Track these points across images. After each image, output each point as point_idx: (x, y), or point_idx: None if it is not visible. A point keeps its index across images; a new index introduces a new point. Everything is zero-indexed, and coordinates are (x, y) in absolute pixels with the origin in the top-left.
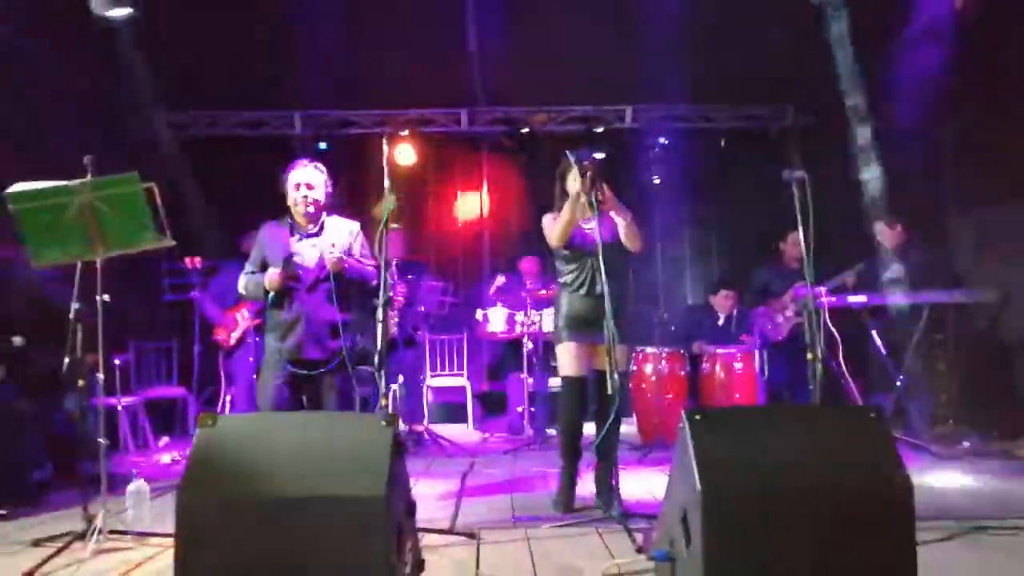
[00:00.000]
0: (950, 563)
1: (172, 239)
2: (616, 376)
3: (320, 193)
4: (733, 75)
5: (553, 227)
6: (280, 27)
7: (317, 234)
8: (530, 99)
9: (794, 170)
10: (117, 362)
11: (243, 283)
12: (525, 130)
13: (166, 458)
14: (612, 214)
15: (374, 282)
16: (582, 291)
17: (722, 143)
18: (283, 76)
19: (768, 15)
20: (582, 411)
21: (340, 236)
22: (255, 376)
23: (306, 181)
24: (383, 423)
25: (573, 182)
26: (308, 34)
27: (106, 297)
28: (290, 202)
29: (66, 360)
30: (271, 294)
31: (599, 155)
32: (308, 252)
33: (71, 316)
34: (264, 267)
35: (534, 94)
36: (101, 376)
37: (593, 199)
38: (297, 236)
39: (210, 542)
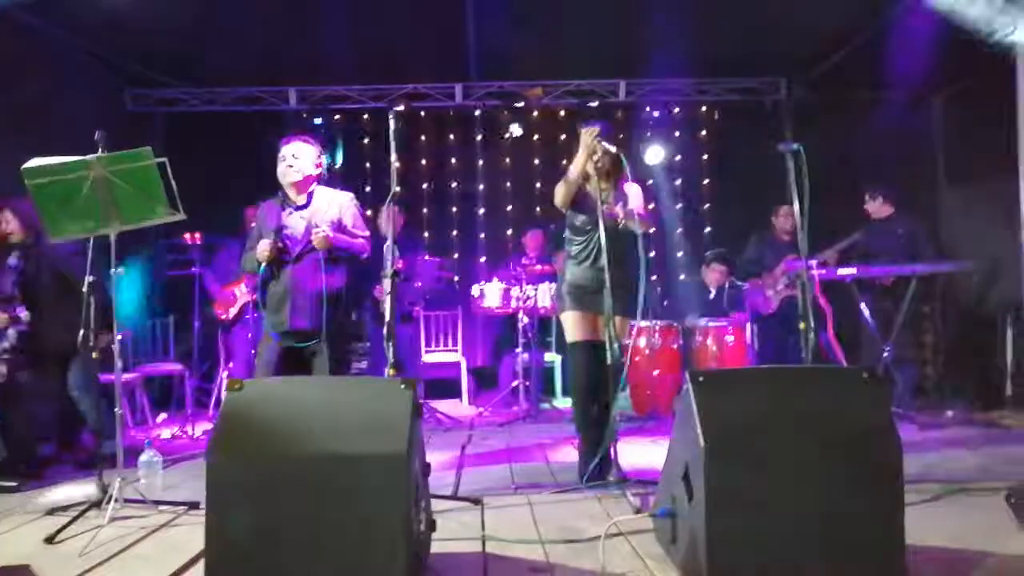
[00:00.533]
0: (933, 520)
1: (184, 214)
2: (616, 346)
3: (306, 164)
4: (727, 48)
5: (559, 189)
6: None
7: (306, 205)
8: (524, 73)
9: (789, 143)
10: (119, 337)
11: (244, 259)
12: (520, 104)
13: (166, 433)
14: (619, 206)
15: (364, 255)
16: (587, 263)
17: (715, 116)
18: (279, 52)
19: None
20: (594, 374)
21: (331, 208)
22: (253, 351)
23: (292, 152)
24: (402, 386)
25: (583, 152)
26: (305, 10)
27: (120, 270)
28: (279, 174)
29: (81, 332)
30: (263, 268)
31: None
32: (296, 223)
33: (84, 289)
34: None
35: (529, 68)
36: (117, 348)
37: (596, 166)
38: (288, 210)
39: (238, 500)
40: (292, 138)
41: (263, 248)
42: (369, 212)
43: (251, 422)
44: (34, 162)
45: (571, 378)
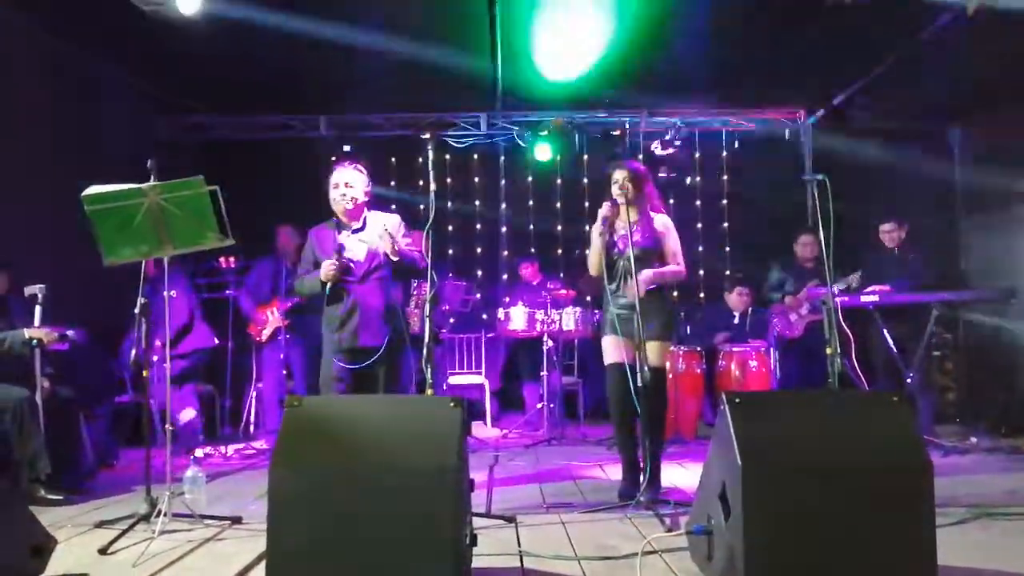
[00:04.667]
0: (962, 543)
1: (232, 239)
2: (646, 370)
3: (359, 192)
4: (748, 77)
5: (590, 258)
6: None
7: (362, 229)
8: (549, 103)
9: (814, 173)
10: (155, 358)
11: (298, 283)
12: (544, 133)
13: (199, 452)
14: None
15: (422, 265)
16: (618, 293)
17: (736, 144)
18: (310, 81)
19: (783, 17)
20: (627, 395)
21: (383, 228)
22: (284, 372)
23: (345, 180)
24: (451, 404)
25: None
26: (336, 42)
27: (173, 293)
28: (332, 200)
29: (132, 352)
30: (327, 289)
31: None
32: (356, 247)
33: (136, 311)
34: (317, 266)
35: (553, 98)
36: (168, 366)
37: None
38: (344, 233)
39: (299, 511)
40: (344, 164)
41: (328, 268)
42: None
43: (309, 437)
44: (93, 189)
45: (608, 398)
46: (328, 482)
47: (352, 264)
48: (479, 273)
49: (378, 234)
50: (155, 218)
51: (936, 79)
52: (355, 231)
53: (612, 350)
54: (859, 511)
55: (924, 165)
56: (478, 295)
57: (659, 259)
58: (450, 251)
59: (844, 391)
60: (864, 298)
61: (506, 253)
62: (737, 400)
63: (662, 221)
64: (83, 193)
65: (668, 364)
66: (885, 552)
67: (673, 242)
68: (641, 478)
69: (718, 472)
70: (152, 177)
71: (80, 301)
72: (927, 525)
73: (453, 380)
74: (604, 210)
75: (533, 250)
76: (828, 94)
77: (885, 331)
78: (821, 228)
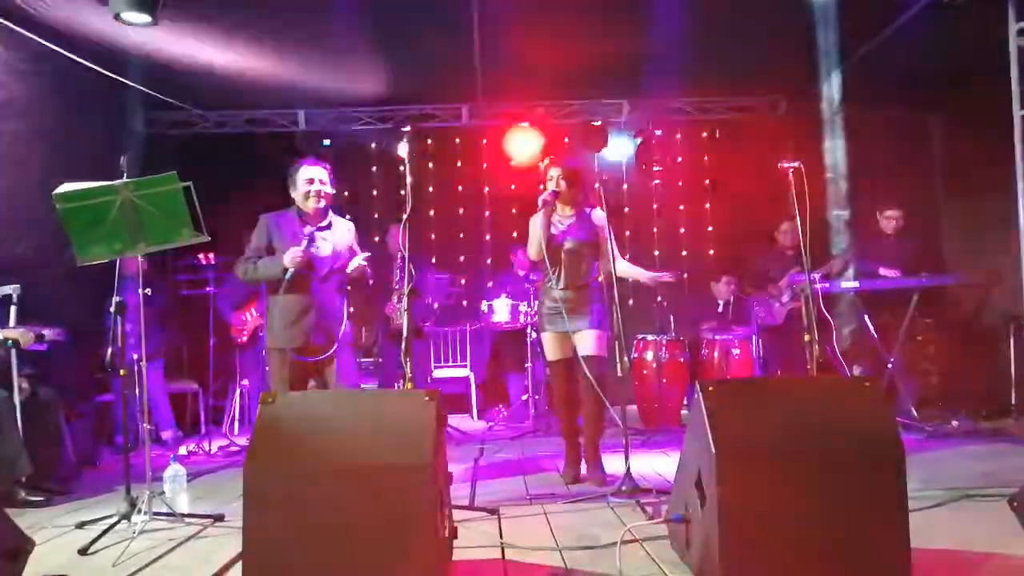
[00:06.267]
0: (937, 525)
1: (207, 236)
2: (626, 360)
3: (329, 188)
4: (727, 66)
5: (530, 242)
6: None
7: (328, 228)
8: (529, 94)
9: (790, 161)
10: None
11: (248, 268)
12: (525, 124)
13: (182, 450)
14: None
15: (370, 283)
16: (550, 284)
17: (716, 133)
18: (289, 77)
19: (762, 5)
20: (569, 390)
21: (346, 233)
22: (266, 368)
23: (318, 176)
24: (426, 398)
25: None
26: (314, 35)
27: (147, 291)
28: (300, 194)
29: (109, 351)
30: (287, 276)
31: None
32: (321, 244)
33: (111, 309)
34: (272, 253)
35: (533, 89)
36: (143, 360)
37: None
38: (309, 227)
39: (274, 507)
40: (312, 162)
41: (295, 254)
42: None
43: (284, 433)
44: (65, 187)
45: (549, 394)
46: (303, 479)
47: (316, 260)
48: (462, 259)
49: (346, 243)
50: (128, 215)
51: (916, 64)
52: (320, 228)
53: (551, 346)
54: (832, 496)
55: (904, 151)
56: (463, 280)
57: (593, 252)
58: (432, 236)
59: (816, 377)
60: (844, 284)
61: (488, 237)
62: (710, 388)
63: (598, 216)
64: (55, 191)
65: (651, 354)
66: (858, 535)
67: (609, 236)
68: (624, 466)
69: (694, 460)
70: (125, 174)
71: (68, 298)
72: (900, 508)
73: (438, 373)
74: (545, 195)
75: (515, 235)
76: (808, 80)
77: (866, 316)
78: (798, 215)
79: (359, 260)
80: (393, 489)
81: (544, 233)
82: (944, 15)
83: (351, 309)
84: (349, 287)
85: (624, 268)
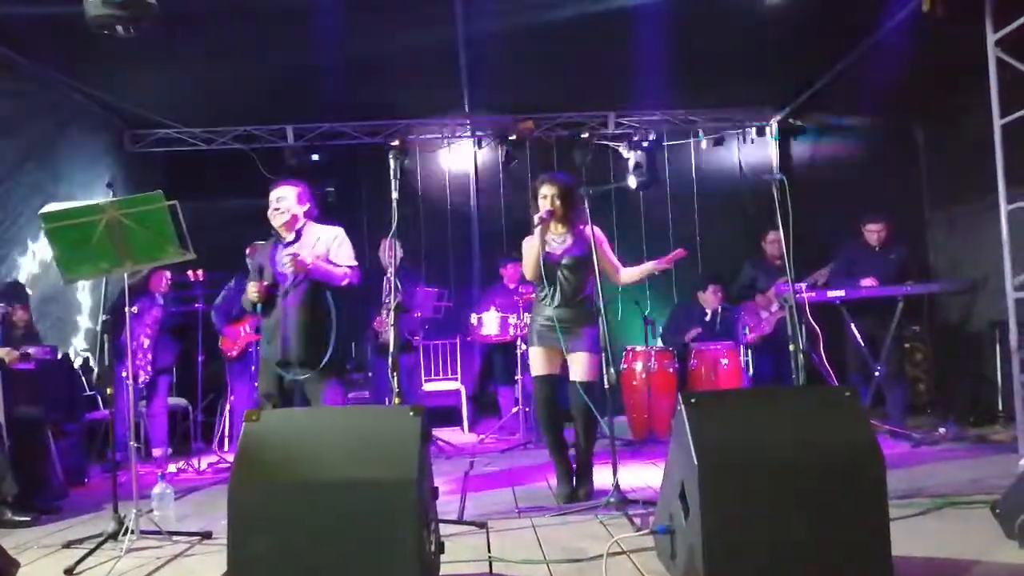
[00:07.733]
0: (921, 533)
1: (193, 253)
2: (612, 372)
3: (290, 204)
4: (712, 78)
5: (526, 262)
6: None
7: (295, 242)
8: (517, 107)
9: (774, 172)
10: (125, 373)
11: (243, 297)
12: (513, 137)
13: (171, 468)
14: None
15: (343, 283)
16: (544, 301)
17: (703, 145)
18: (276, 92)
19: (746, 18)
20: (555, 405)
21: (319, 243)
22: (255, 384)
23: (276, 196)
24: (411, 413)
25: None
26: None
27: (134, 309)
28: (269, 217)
29: (95, 370)
30: (259, 307)
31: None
32: (286, 260)
33: (97, 327)
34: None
35: (521, 103)
36: (130, 378)
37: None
38: (279, 247)
39: (259, 524)
40: (278, 183)
41: (251, 290)
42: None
43: (268, 451)
44: (51, 207)
45: (535, 409)
46: (288, 496)
47: (279, 278)
48: (451, 268)
49: (316, 254)
50: (114, 234)
51: (898, 74)
52: (287, 244)
53: (540, 362)
54: (813, 505)
55: (889, 160)
56: (451, 291)
57: (587, 268)
58: (422, 249)
59: (797, 387)
60: (831, 293)
61: (477, 250)
62: (693, 400)
63: (592, 232)
64: (40, 211)
65: (640, 364)
66: (840, 544)
67: (609, 249)
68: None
69: (678, 472)
70: (112, 195)
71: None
72: (881, 517)
73: (429, 387)
74: (541, 214)
75: (505, 247)
76: (793, 92)
77: (852, 325)
78: (781, 226)
79: (285, 256)
80: (379, 504)
81: (540, 253)
82: (926, 26)
83: (325, 318)
84: (317, 296)
85: (629, 275)
